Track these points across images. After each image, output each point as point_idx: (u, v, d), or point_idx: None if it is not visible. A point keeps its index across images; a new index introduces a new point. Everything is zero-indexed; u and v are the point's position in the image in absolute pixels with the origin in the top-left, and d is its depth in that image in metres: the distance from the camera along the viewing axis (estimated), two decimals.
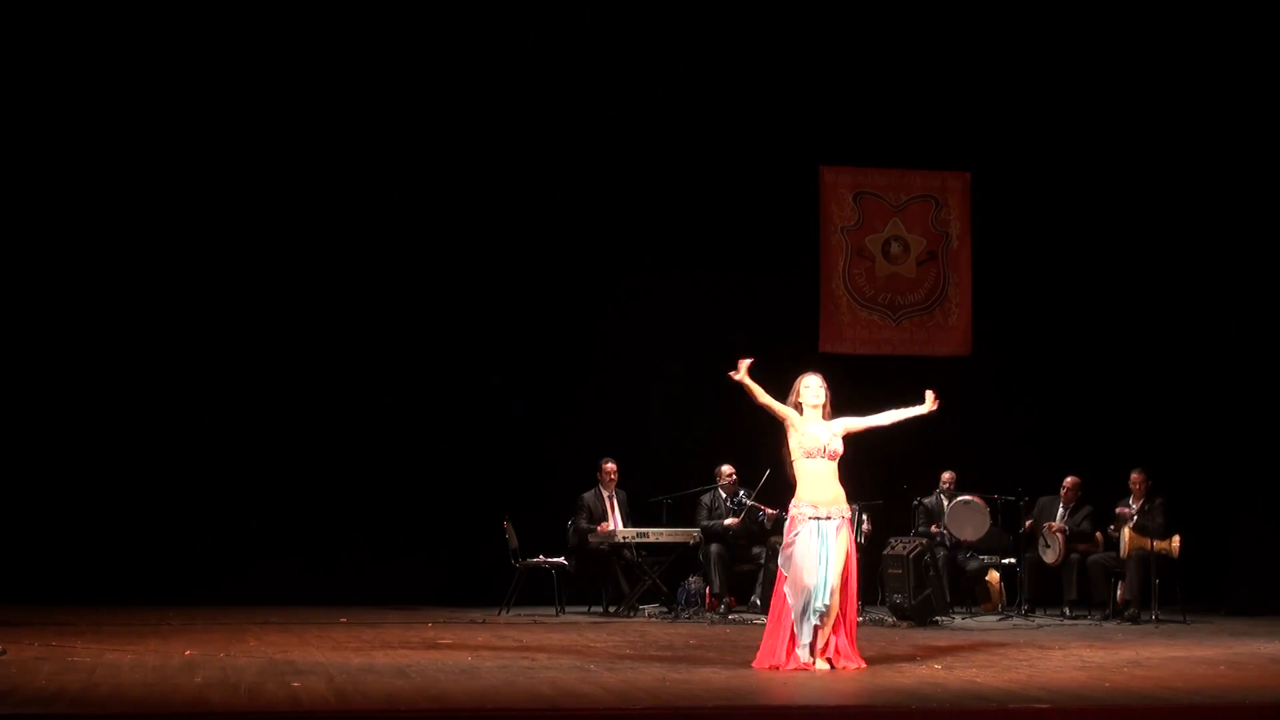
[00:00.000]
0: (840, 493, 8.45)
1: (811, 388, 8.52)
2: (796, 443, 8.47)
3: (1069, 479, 12.97)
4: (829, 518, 8.34)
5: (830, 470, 8.44)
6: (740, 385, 8.49)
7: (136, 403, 13.06)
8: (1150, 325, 14.68)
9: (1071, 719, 6.82)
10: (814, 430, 8.45)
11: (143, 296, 13.17)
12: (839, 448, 8.48)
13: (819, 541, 8.27)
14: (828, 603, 8.19)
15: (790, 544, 8.34)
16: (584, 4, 13.74)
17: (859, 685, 7.54)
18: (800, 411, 8.49)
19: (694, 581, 12.64)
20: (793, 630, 8.23)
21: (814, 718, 6.73)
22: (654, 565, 12.71)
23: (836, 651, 8.23)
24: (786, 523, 8.49)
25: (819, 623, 8.18)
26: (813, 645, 8.18)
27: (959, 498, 12.83)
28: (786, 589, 8.29)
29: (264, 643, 9.43)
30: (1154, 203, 14.71)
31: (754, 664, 8.32)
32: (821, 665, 8.15)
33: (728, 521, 12.76)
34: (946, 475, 13.23)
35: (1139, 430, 14.11)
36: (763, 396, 8.53)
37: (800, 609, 8.20)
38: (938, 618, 11.80)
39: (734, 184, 14.32)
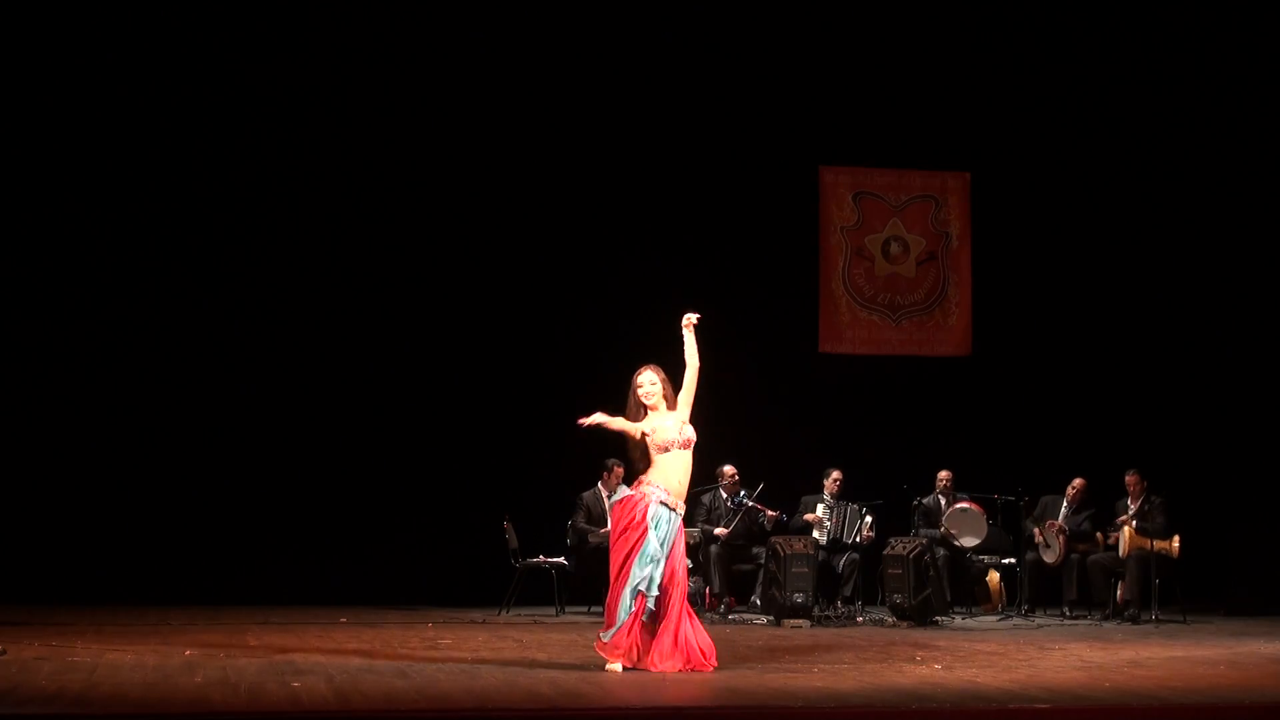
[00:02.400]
0: (687, 485, 8.30)
1: (644, 387, 8.34)
2: (651, 442, 8.26)
3: (1077, 480, 12.96)
4: (675, 509, 8.18)
5: (686, 460, 8.26)
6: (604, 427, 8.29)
7: (136, 403, 13.05)
8: (1150, 325, 14.69)
9: (1071, 719, 6.82)
10: (663, 424, 8.26)
11: (143, 296, 13.16)
12: (691, 435, 8.27)
13: (664, 533, 8.10)
14: (657, 594, 8.06)
15: (644, 529, 8.06)
16: (583, 4, 13.74)
17: (859, 685, 7.54)
18: (643, 414, 8.32)
19: (694, 581, 12.62)
20: (641, 625, 8.01)
21: (814, 718, 6.73)
22: None
23: (662, 652, 8.04)
24: (636, 499, 8.17)
25: (645, 618, 8.01)
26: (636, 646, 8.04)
27: (955, 506, 12.82)
28: (637, 579, 8.03)
29: (264, 643, 9.43)
30: (1154, 202, 14.72)
31: (613, 656, 7.98)
32: (658, 666, 7.99)
33: (718, 531, 12.71)
34: (943, 474, 13.23)
35: (1139, 430, 14.11)
36: (615, 424, 8.30)
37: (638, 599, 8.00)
38: (938, 618, 11.80)
39: (734, 184, 14.32)
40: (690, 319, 8.43)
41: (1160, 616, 12.06)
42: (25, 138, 12.93)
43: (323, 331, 13.49)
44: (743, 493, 12.82)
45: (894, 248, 14.86)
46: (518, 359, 13.77)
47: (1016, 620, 12.29)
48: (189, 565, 12.78)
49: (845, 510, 12.90)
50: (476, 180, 13.84)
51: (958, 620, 12.20)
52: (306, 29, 13.39)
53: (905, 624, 11.55)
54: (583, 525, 12.59)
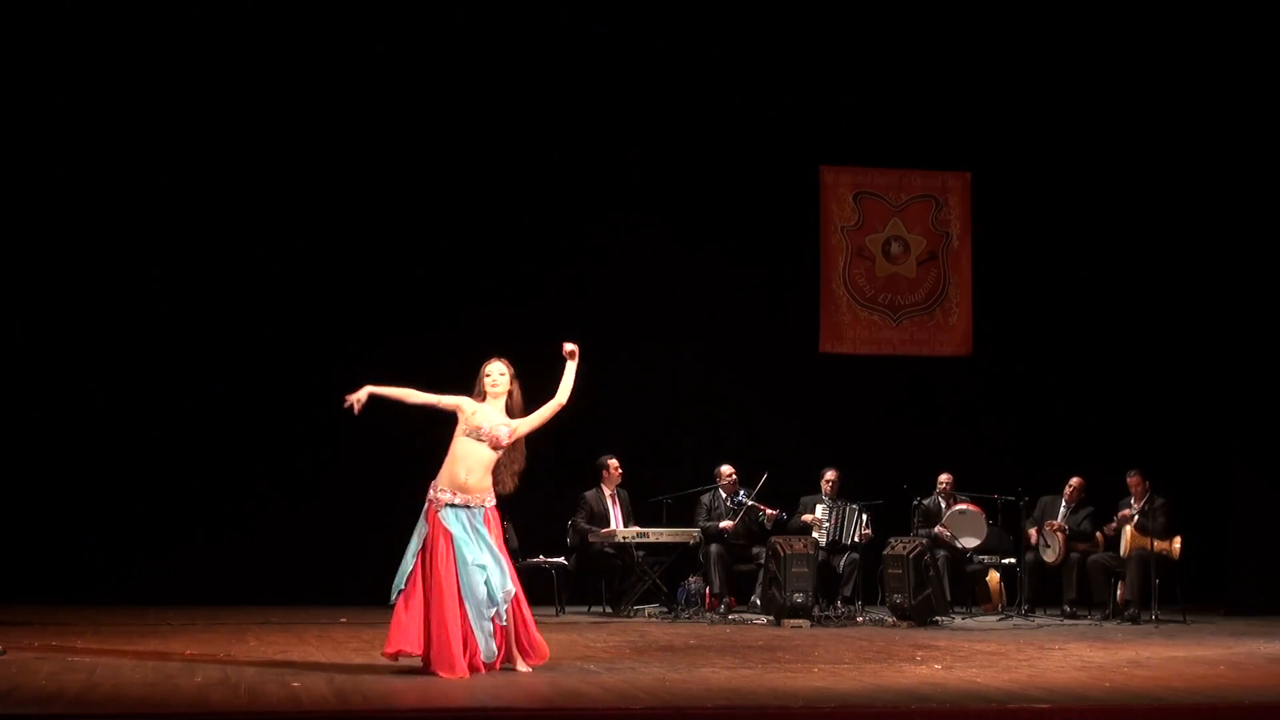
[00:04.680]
0: (487, 484, 8.00)
1: (492, 375, 8.13)
2: (463, 421, 8.02)
3: (1074, 479, 12.97)
4: (468, 505, 7.94)
5: (482, 454, 7.99)
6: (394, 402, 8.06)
7: (136, 402, 13.03)
8: (1150, 325, 14.69)
9: (1071, 718, 6.82)
10: (485, 413, 8.05)
11: (139, 294, 13.13)
12: (502, 436, 8.00)
13: (474, 533, 7.91)
14: (512, 589, 7.90)
15: (447, 536, 7.84)
16: (583, 3, 13.73)
17: (859, 685, 7.54)
18: (481, 399, 8.11)
19: (694, 581, 12.64)
20: (470, 629, 7.76)
21: (814, 718, 6.73)
22: (654, 565, 12.71)
23: (527, 646, 7.99)
24: (425, 507, 7.96)
25: (502, 616, 7.87)
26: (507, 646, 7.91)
27: (955, 507, 12.82)
28: (461, 587, 7.76)
29: (264, 643, 9.44)
30: (1154, 202, 14.72)
31: (436, 665, 7.67)
32: (524, 667, 7.94)
33: (723, 524, 12.76)
34: (944, 477, 13.22)
35: (1139, 430, 14.11)
36: (415, 397, 8.06)
37: (480, 606, 7.79)
38: (938, 618, 11.79)
39: (734, 184, 14.32)
40: (571, 349, 8.22)
41: (1160, 616, 12.06)
42: (13, 136, 12.91)
43: (323, 331, 13.46)
44: (742, 492, 12.83)
45: (894, 248, 14.86)
46: (517, 360, 13.72)
47: (1016, 620, 12.29)
48: (189, 565, 12.76)
49: (843, 510, 12.91)
50: (476, 180, 13.79)
51: (958, 620, 12.19)
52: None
53: (905, 624, 11.55)
54: (584, 525, 12.59)
